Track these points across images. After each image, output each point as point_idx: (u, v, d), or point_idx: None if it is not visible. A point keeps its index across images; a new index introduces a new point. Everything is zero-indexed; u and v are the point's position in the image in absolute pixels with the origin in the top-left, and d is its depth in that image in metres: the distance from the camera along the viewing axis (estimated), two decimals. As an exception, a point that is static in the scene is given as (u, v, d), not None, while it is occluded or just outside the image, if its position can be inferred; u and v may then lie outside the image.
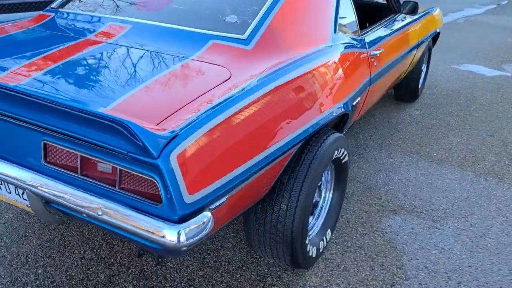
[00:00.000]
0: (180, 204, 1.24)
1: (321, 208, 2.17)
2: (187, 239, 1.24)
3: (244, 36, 1.82)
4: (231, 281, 2.00)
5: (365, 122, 3.77)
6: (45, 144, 1.42)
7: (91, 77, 1.56)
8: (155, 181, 1.24)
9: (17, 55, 1.72)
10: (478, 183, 2.87)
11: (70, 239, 2.22)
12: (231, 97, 1.46)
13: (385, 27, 2.89)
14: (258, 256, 2.15)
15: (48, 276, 1.99)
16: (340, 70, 2.07)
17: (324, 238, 2.12)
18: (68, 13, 2.21)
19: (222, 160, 1.36)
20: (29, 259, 2.08)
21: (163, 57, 1.74)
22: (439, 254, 2.21)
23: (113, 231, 1.36)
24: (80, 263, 2.07)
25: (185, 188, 1.24)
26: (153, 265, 2.06)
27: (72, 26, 2.08)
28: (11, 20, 2.27)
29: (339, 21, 2.27)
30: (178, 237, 1.23)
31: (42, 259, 2.09)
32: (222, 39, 1.82)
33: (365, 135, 3.52)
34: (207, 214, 1.30)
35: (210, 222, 1.30)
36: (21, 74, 1.54)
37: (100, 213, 1.29)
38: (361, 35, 2.50)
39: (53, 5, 2.31)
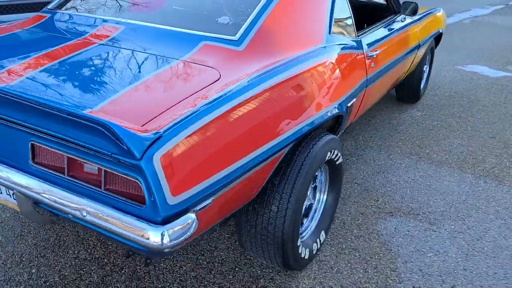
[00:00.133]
0: (163, 206, 1.24)
1: (315, 210, 2.16)
2: (170, 241, 1.24)
3: (236, 37, 1.82)
4: (223, 283, 2.00)
5: (366, 123, 3.75)
6: (32, 145, 1.43)
7: (81, 78, 1.57)
8: (139, 182, 1.25)
9: (8, 56, 1.73)
10: (477, 185, 2.84)
11: (65, 239, 2.23)
12: (219, 98, 1.45)
13: (383, 28, 2.87)
14: (251, 258, 2.15)
15: (42, 275, 2.00)
16: (334, 71, 2.06)
17: (318, 240, 2.11)
18: (63, 14, 2.22)
19: (208, 161, 1.36)
20: (24, 259, 2.10)
21: (154, 58, 1.75)
22: (434, 256, 2.19)
23: (99, 232, 1.37)
24: (73, 263, 2.08)
25: (169, 189, 1.24)
26: (144, 265, 2.07)
27: (66, 27, 2.09)
28: (11, 21, 2.29)
29: (335, 22, 2.25)
30: (162, 239, 1.23)
31: (36, 259, 2.10)
32: (213, 40, 1.82)
33: (365, 136, 3.49)
34: (191, 215, 1.30)
35: (194, 224, 1.30)
36: (10, 76, 1.56)
37: (84, 213, 1.30)
38: (358, 36, 2.48)
39: (49, 6, 2.32)
